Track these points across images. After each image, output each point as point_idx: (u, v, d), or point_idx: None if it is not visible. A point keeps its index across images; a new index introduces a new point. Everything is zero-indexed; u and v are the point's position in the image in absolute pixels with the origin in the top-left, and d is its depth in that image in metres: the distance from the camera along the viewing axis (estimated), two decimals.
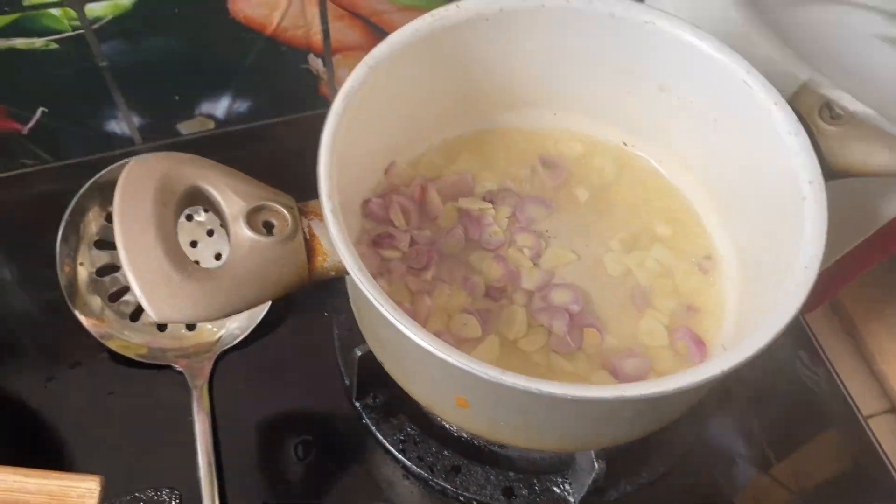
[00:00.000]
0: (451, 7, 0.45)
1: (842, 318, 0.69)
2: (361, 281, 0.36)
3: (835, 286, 0.62)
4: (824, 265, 0.57)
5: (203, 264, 0.56)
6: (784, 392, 0.59)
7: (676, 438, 0.52)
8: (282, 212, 0.38)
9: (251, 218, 0.38)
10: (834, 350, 0.68)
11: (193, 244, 0.56)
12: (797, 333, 0.61)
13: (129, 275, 0.34)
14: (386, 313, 0.35)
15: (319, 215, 0.39)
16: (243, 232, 0.37)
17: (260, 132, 0.68)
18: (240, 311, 0.36)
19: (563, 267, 0.49)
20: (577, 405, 0.35)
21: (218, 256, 0.56)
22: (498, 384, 0.34)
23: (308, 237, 0.39)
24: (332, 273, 0.40)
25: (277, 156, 0.67)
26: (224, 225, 0.38)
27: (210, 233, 0.56)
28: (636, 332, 0.47)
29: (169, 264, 0.34)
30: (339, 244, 0.37)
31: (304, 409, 0.53)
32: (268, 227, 0.38)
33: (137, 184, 0.36)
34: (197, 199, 0.38)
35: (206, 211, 0.56)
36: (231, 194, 0.38)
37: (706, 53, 0.45)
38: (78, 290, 0.53)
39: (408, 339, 0.35)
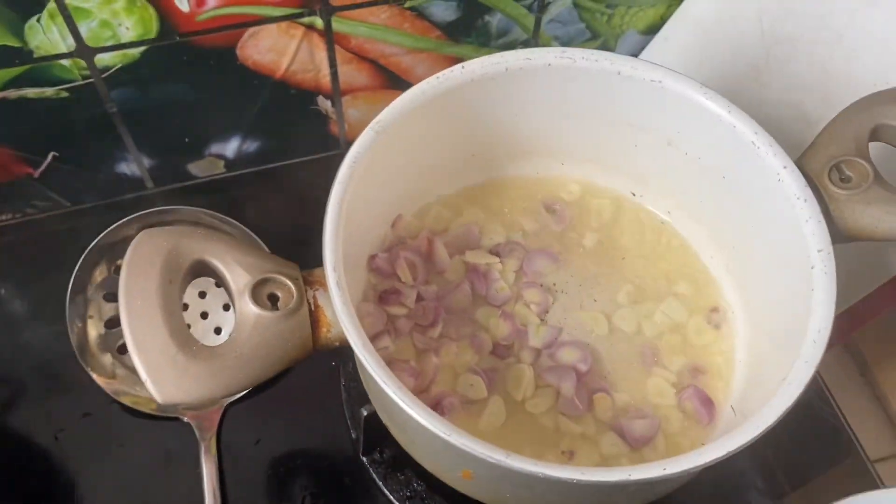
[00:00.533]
0: (457, 69, 0.45)
1: (855, 359, 0.69)
2: (367, 359, 0.36)
3: (848, 329, 0.62)
4: (838, 311, 0.57)
5: (211, 315, 0.56)
6: (798, 424, 0.58)
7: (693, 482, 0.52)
8: (287, 284, 0.39)
9: (256, 292, 0.38)
10: (847, 391, 0.68)
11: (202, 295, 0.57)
12: None
13: (136, 359, 0.34)
14: (392, 394, 0.35)
15: (324, 285, 0.39)
16: (248, 307, 0.37)
17: (270, 173, 0.68)
18: (245, 389, 0.37)
19: (571, 322, 0.49)
20: (582, 485, 0.34)
21: (227, 307, 0.56)
22: (503, 466, 0.34)
23: (312, 308, 0.39)
24: (337, 343, 0.40)
25: (287, 196, 0.67)
26: (230, 299, 0.38)
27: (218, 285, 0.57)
28: (645, 389, 0.47)
29: (175, 346, 0.35)
30: (343, 319, 0.37)
31: (311, 460, 0.53)
32: (273, 300, 0.38)
33: (144, 261, 0.36)
34: (203, 272, 0.38)
35: None
36: (236, 268, 0.38)
37: (714, 113, 0.45)
38: (89, 347, 0.54)
39: (414, 419, 0.35)
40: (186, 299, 0.55)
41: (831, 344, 0.64)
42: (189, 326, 0.40)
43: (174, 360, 0.34)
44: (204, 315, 0.56)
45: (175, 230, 0.38)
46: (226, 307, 0.56)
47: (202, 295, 0.56)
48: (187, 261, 0.37)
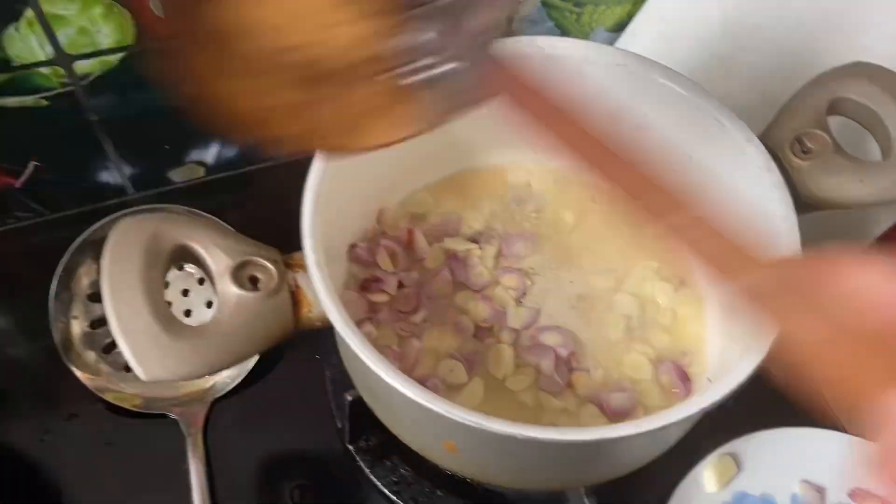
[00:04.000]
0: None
1: None
2: (346, 333, 0.37)
3: None
4: None
5: (195, 313, 0.57)
6: (779, 408, 0.59)
7: (670, 464, 0.52)
8: (267, 266, 0.39)
9: (237, 274, 0.38)
10: None
11: (185, 293, 0.57)
12: None
13: (119, 339, 0.34)
14: (371, 364, 0.36)
15: (304, 267, 0.40)
16: (229, 288, 0.38)
17: (250, 176, 0.69)
18: (228, 367, 0.37)
19: (550, 304, 0.50)
20: (560, 447, 0.35)
21: (209, 304, 0.57)
22: (483, 430, 0.35)
23: (293, 289, 0.40)
24: (319, 324, 0.40)
25: (269, 199, 0.68)
26: (211, 281, 0.39)
27: (201, 281, 0.57)
28: (622, 366, 0.48)
29: (157, 325, 0.35)
30: (323, 297, 0.38)
31: (298, 453, 0.54)
32: (253, 282, 0.39)
33: (125, 246, 0.37)
34: (184, 256, 0.39)
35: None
36: (216, 251, 0.39)
37: (679, 94, 0.46)
38: (72, 344, 0.54)
39: (394, 388, 0.36)
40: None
41: None
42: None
43: (157, 339, 0.35)
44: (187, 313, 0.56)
45: (156, 216, 0.38)
46: (209, 304, 0.57)
47: (185, 293, 0.57)
48: (168, 245, 0.38)
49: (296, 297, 0.40)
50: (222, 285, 0.38)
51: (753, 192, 0.43)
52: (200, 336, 0.36)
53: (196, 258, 0.39)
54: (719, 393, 0.36)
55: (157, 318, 0.36)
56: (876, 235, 0.52)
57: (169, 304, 0.55)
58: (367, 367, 0.36)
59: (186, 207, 0.59)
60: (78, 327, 0.55)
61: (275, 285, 0.39)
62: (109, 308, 0.35)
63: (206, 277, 0.55)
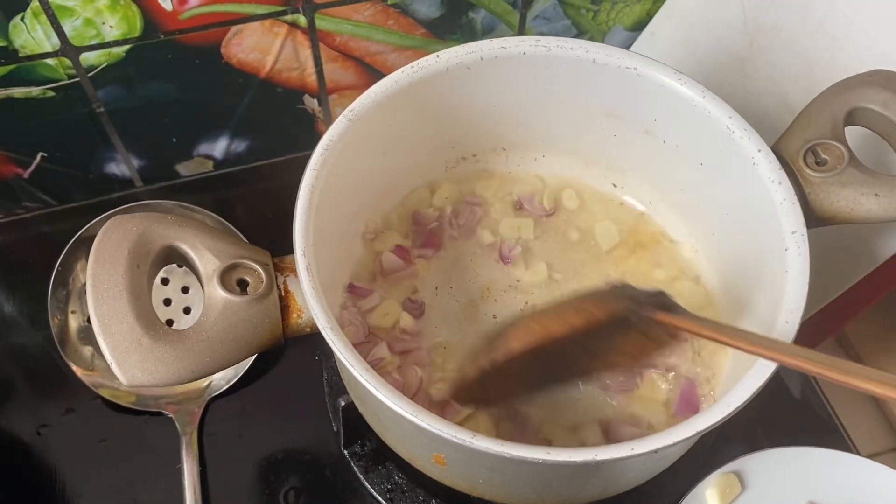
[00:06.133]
0: (431, 58, 0.45)
1: (848, 353, 0.68)
2: (333, 341, 0.36)
3: (839, 321, 0.61)
4: (826, 301, 0.57)
5: (195, 310, 0.56)
6: (791, 420, 0.57)
7: (672, 481, 0.51)
8: (256, 269, 0.39)
9: (225, 277, 0.38)
10: (840, 387, 0.66)
11: (185, 290, 0.57)
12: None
13: (101, 341, 0.34)
14: (358, 375, 0.35)
15: (295, 271, 0.39)
16: (217, 292, 0.37)
17: (259, 171, 0.68)
18: (213, 373, 0.37)
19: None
20: (549, 466, 0.34)
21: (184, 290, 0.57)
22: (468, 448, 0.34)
23: (283, 293, 0.39)
24: (308, 329, 0.39)
25: (276, 195, 0.67)
26: (200, 283, 0.38)
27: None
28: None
29: (140, 329, 0.35)
30: (312, 303, 0.37)
31: (293, 455, 0.53)
32: (242, 285, 0.38)
33: (112, 246, 0.36)
34: (172, 258, 0.38)
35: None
36: (205, 253, 0.38)
37: (689, 98, 0.44)
38: (69, 339, 0.54)
39: (380, 401, 0.35)
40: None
41: (823, 337, 0.64)
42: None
43: (139, 343, 0.34)
44: (167, 302, 0.56)
45: (145, 216, 0.38)
46: (184, 290, 0.56)
47: (165, 282, 0.56)
48: (156, 246, 0.37)
49: (285, 302, 0.39)
50: (210, 289, 0.37)
51: (763, 204, 0.42)
52: (184, 340, 0.35)
53: (185, 259, 0.38)
54: (723, 411, 0.35)
55: (140, 320, 0.35)
56: (892, 253, 0.50)
57: (168, 301, 0.55)
58: (355, 378, 0.35)
59: (178, 202, 0.58)
60: (75, 322, 0.54)
61: (263, 289, 0.38)
62: (92, 309, 0.34)
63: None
